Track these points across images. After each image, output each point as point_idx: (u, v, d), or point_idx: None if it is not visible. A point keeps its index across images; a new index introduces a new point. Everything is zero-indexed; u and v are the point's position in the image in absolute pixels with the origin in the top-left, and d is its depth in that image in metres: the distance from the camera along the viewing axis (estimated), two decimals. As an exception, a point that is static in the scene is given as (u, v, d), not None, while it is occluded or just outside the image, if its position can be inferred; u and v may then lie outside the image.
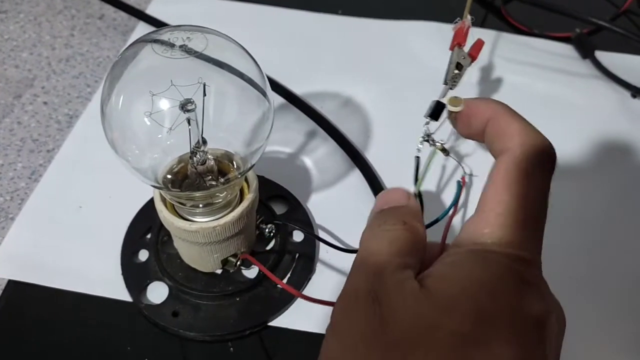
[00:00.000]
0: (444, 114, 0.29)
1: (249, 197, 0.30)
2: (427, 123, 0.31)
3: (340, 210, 0.39)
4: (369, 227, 0.22)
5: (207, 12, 0.54)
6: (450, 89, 0.33)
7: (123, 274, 0.35)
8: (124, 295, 0.34)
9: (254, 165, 0.30)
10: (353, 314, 0.19)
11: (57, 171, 0.40)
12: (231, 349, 0.32)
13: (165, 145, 0.29)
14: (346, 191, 0.40)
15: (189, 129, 0.28)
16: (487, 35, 0.40)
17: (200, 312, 0.33)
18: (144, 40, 0.27)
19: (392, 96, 0.47)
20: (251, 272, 0.34)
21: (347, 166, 0.41)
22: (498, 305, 0.18)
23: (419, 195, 0.34)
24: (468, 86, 0.39)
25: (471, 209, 0.38)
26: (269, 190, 0.38)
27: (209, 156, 0.30)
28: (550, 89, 0.48)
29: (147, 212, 0.37)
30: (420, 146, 0.31)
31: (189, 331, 0.32)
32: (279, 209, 0.38)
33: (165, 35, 0.27)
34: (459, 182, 0.37)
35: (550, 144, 0.22)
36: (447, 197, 0.39)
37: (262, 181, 0.35)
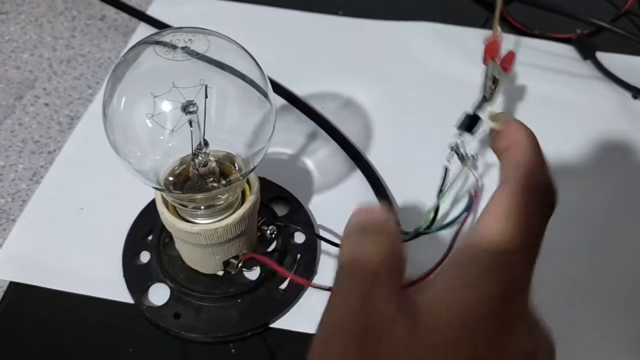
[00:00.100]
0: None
1: (250, 199, 0.30)
2: (460, 135, 0.31)
3: (341, 212, 0.38)
4: (350, 240, 0.20)
5: (209, 13, 0.54)
6: (488, 102, 0.33)
7: (124, 275, 0.35)
8: (126, 297, 0.34)
9: (255, 167, 0.30)
10: (338, 348, 0.17)
11: (58, 173, 0.40)
12: (233, 350, 0.32)
13: (167, 147, 0.29)
14: (348, 192, 0.40)
15: (191, 131, 0.28)
16: (488, 35, 0.40)
17: (202, 314, 0.33)
18: (146, 42, 0.27)
19: (392, 97, 0.47)
20: (253, 274, 0.35)
21: (349, 167, 0.42)
22: (486, 346, 0.17)
23: (437, 209, 0.34)
24: (470, 87, 0.39)
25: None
26: (271, 192, 0.38)
27: (211, 158, 0.30)
28: (551, 89, 0.48)
29: (149, 213, 0.37)
30: (449, 159, 0.31)
31: (190, 333, 0.32)
32: (281, 210, 0.38)
33: (167, 37, 0.27)
34: (470, 193, 0.37)
35: (553, 187, 0.21)
36: (453, 205, 0.39)
37: (264, 183, 0.35)
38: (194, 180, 0.30)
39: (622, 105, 0.47)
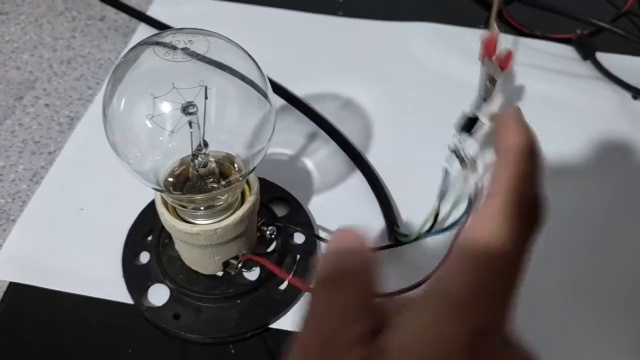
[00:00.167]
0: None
1: (250, 200, 0.30)
2: (459, 137, 0.30)
3: (341, 212, 0.39)
4: (319, 291, 0.18)
5: (208, 13, 0.54)
6: (486, 102, 0.32)
7: (124, 276, 0.35)
8: (125, 298, 0.34)
9: (255, 167, 0.30)
10: None
11: (58, 173, 0.40)
12: (232, 351, 0.32)
13: (166, 148, 0.29)
14: (347, 193, 0.40)
15: (191, 132, 0.28)
16: (485, 33, 0.40)
17: (202, 315, 0.33)
18: (146, 43, 0.27)
19: (392, 97, 0.47)
20: (252, 274, 0.35)
21: (348, 167, 0.42)
22: None
23: (437, 212, 0.34)
24: (469, 87, 0.39)
25: None
26: (270, 193, 0.38)
27: (211, 159, 0.30)
28: (551, 90, 0.48)
29: (148, 214, 0.37)
30: (448, 161, 0.31)
31: (190, 333, 0.32)
32: (280, 211, 0.38)
33: (167, 38, 0.27)
34: (469, 196, 0.37)
35: (542, 204, 0.19)
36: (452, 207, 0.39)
37: (263, 183, 0.35)
38: (193, 181, 0.30)
39: (622, 105, 0.47)
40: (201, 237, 0.30)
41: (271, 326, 0.33)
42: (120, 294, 0.34)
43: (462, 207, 0.38)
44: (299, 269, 0.35)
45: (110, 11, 0.54)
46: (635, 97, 0.47)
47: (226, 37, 0.28)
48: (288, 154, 0.42)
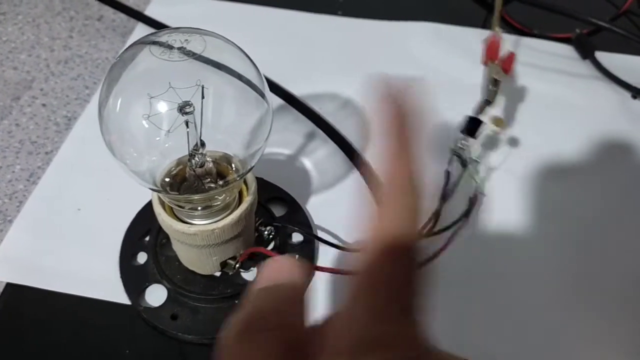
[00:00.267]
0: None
1: (247, 200, 0.30)
2: (463, 139, 0.30)
3: (339, 212, 0.38)
4: (239, 341, 0.17)
5: (206, 13, 0.53)
6: (489, 105, 0.32)
7: (121, 276, 0.34)
8: (123, 298, 0.34)
9: (253, 167, 0.30)
10: None
11: (55, 173, 0.40)
12: (230, 351, 0.32)
13: (163, 148, 0.29)
14: (345, 193, 0.40)
15: (187, 132, 0.27)
16: (487, 36, 0.40)
17: (199, 315, 0.33)
18: (142, 43, 0.27)
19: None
20: (250, 275, 0.34)
21: (347, 167, 0.41)
22: None
23: (438, 212, 0.34)
24: (469, 87, 0.39)
25: (477, 225, 0.38)
26: (268, 192, 0.38)
27: (208, 159, 0.29)
28: (550, 89, 0.48)
29: (146, 214, 0.37)
30: (450, 162, 0.31)
31: (187, 334, 0.32)
32: (278, 211, 0.38)
33: (163, 38, 0.27)
34: (470, 197, 0.37)
35: (407, 238, 0.17)
36: (453, 208, 0.39)
37: (261, 183, 0.34)
38: (190, 181, 0.30)
39: (622, 104, 0.47)
40: (198, 238, 0.29)
41: (269, 327, 0.33)
42: (118, 294, 0.34)
43: (462, 208, 0.38)
44: (297, 269, 0.35)
45: (107, 11, 0.54)
46: (634, 97, 0.47)
47: (223, 37, 0.28)
48: (286, 154, 0.42)
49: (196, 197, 0.29)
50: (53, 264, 0.35)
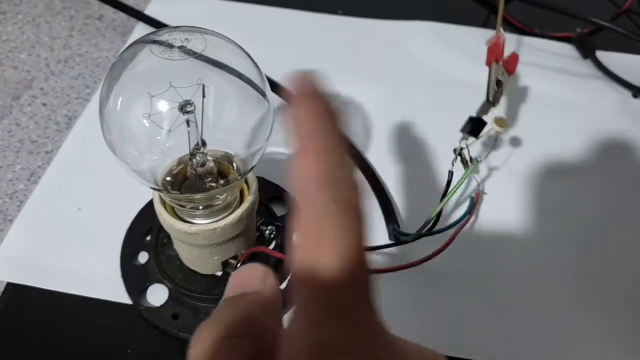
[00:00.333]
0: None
1: (249, 199, 0.30)
2: (465, 139, 0.30)
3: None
4: (213, 338, 0.17)
5: (206, 12, 0.53)
6: (493, 106, 0.32)
7: (123, 276, 0.34)
8: (124, 298, 0.34)
9: (254, 166, 0.30)
10: None
11: (56, 173, 0.40)
12: (231, 351, 0.32)
13: (164, 147, 0.29)
14: (346, 192, 0.40)
15: (188, 131, 0.27)
16: (488, 35, 0.40)
17: (201, 315, 0.33)
18: (142, 42, 0.27)
19: (391, 96, 0.47)
20: (251, 274, 0.34)
21: (347, 167, 0.41)
22: None
23: (439, 211, 0.34)
24: (469, 86, 0.39)
25: (478, 224, 0.38)
26: (269, 192, 0.38)
27: (209, 158, 0.29)
28: (551, 88, 0.48)
29: (147, 213, 0.37)
30: (453, 162, 0.31)
31: (189, 334, 0.32)
32: (280, 210, 0.38)
33: (164, 37, 0.27)
34: (472, 197, 0.37)
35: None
36: (455, 208, 0.39)
37: (262, 182, 0.34)
38: (191, 180, 0.30)
39: (622, 104, 0.47)
40: (200, 237, 0.29)
41: (270, 326, 0.33)
42: (119, 294, 0.34)
43: (463, 207, 0.38)
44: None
45: (108, 10, 0.54)
46: (635, 96, 0.47)
47: (223, 35, 0.28)
48: (287, 153, 0.42)
49: (197, 196, 0.29)
50: (54, 264, 0.35)
